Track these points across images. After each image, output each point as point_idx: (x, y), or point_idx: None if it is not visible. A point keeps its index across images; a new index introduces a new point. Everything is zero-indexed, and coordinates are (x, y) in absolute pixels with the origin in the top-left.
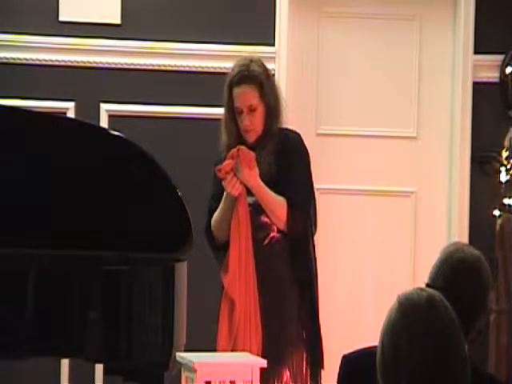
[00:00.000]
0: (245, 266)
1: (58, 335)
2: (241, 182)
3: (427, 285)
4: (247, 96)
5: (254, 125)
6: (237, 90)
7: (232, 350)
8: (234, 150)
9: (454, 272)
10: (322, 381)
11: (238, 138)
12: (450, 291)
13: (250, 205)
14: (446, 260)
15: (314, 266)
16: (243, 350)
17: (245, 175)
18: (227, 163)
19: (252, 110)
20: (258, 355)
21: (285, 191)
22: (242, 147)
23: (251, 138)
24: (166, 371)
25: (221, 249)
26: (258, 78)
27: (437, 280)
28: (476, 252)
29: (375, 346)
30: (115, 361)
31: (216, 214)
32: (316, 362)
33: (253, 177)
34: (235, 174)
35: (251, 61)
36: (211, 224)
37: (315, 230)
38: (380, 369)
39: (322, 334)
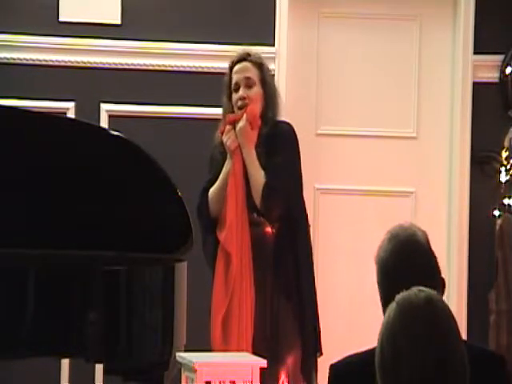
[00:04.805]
0: (241, 222)
1: (58, 335)
2: (236, 138)
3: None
4: (246, 70)
5: (249, 99)
6: (236, 67)
7: (228, 307)
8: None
9: (400, 247)
10: None
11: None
12: (406, 262)
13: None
14: (392, 238)
15: (307, 260)
16: (239, 305)
17: (245, 127)
18: (237, 114)
19: (249, 85)
20: (251, 310)
21: (266, 174)
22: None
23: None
24: (165, 371)
25: (210, 228)
26: (258, 60)
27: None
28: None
29: (363, 352)
30: (115, 361)
31: (215, 185)
32: (309, 351)
33: (250, 135)
34: (235, 128)
35: (251, 51)
36: (208, 197)
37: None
38: (379, 370)
39: (319, 324)
